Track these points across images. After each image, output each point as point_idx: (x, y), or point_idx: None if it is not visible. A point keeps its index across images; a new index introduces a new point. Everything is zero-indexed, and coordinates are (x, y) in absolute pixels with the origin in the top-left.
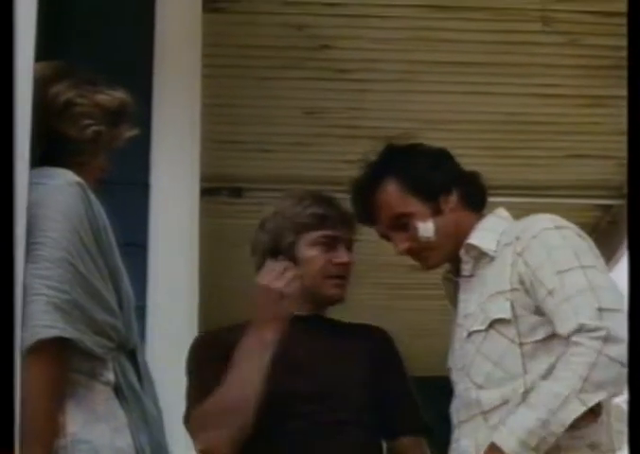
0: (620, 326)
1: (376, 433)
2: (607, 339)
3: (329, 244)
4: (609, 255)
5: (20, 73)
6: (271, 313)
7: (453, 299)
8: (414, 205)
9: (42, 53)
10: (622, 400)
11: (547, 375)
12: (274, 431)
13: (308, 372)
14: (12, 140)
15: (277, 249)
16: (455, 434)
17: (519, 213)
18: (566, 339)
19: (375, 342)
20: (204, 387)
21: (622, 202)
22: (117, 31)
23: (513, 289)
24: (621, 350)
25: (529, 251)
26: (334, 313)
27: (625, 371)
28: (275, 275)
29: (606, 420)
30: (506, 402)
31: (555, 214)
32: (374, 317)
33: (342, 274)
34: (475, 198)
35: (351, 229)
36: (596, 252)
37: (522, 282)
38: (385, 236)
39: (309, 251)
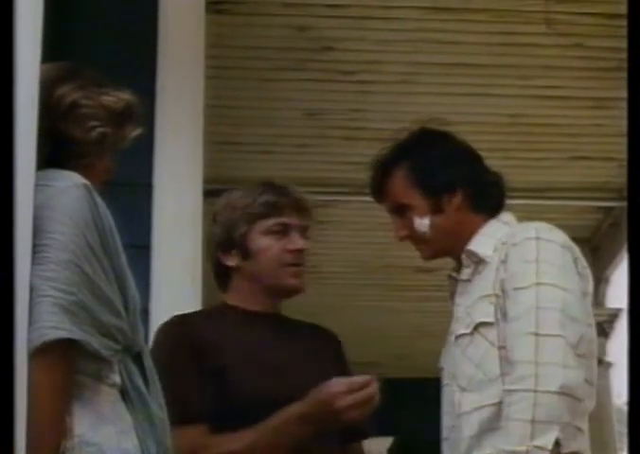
0: (553, 355)
1: (337, 439)
2: (538, 374)
3: (283, 232)
4: (610, 257)
5: (22, 75)
6: (323, 423)
7: (454, 299)
8: (415, 198)
9: (47, 55)
10: (622, 402)
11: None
12: None
13: (292, 374)
14: (13, 142)
15: (230, 241)
16: (444, 435)
17: (520, 215)
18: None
19: (332, 344)
20: (192, 393)
21: (624, 204)
22: (121, 33)
23: (496, 294)
24: (555, 380)
25: (509, 259)
26: (335, 314)
27: (568, 398)
28: (350, 403)
29: (586, 429)
30: (477, 408)
31: (556, 216)
32: (377, 317)
33: (298, 262)
34: (486, 201)
35: (306, 216)
36: (583, 264)
37: (502, 289)
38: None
39: (262, 240)
